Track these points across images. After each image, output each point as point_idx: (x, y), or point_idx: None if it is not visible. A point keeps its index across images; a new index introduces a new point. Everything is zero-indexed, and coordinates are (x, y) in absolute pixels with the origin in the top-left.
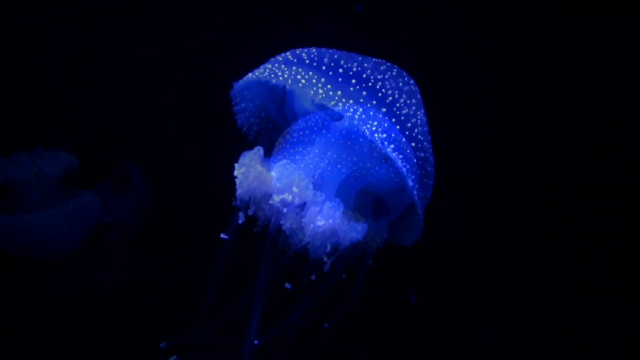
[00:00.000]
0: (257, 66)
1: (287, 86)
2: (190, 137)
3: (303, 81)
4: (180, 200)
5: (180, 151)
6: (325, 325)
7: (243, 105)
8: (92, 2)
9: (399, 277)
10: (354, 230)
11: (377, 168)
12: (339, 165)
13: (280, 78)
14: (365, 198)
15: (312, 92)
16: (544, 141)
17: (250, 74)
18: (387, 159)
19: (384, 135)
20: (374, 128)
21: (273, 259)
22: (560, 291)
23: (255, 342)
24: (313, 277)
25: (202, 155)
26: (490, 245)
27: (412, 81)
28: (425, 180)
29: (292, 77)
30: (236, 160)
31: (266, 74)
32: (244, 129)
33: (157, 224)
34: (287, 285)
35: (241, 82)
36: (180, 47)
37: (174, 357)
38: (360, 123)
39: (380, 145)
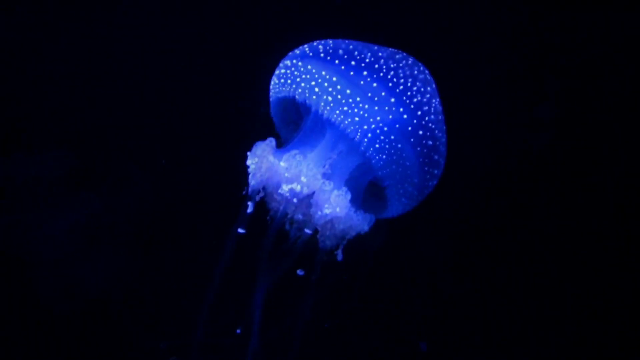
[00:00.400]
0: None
1: (307, 101)
2: (191, 136)
3: (317, 89)
4: (181, 199)
5: (181, 150)
6: (326, 325)
7: (274, 110)
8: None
9: (399, 275)
10: (360, 220)
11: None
12: (348, 157)
13: (299, 90)
14: (372, 192)
15: (323, 104)
16: (558, 140)
17: (274, 79)
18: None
19: (374, 134)
20: (373, 127)
21: (282, 251)
22: (563, 294)
23: (254, 342)
24: (314, 278)
25: (203, 153)
26: (495, 244)
27: (427, 71)
28: (427, 168)
29: (308, 85)
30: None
31: (289, 82)
32: (278, 132)
33: (157, 223)
34: (300, 272)
35: (271, 92)
36: (179, 45)
37: (174, 358)
38: (356, 127)
39: (363, 149)
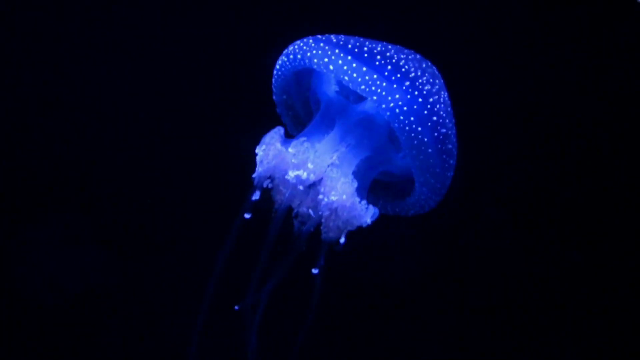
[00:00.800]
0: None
1: (315, 67)
2: (194, 136)
3: (333, 57)
4: (182, 197)
5: (184, 149)
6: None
7: (275, 98)
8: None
9: (397, 276)
10: (364, 212)
11: (393, 155)
12: (356, 150)
13: (309, 54)
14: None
15: (333, 70)
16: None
17: (282, 58)
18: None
19: (394, 113)
20: (392, 104)
21: (285, 245)
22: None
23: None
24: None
25: (206, 153)
26: (495, 247)
27: (434, 67)
28: (445, 156)
29: (318, 55)
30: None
31: (297, 50)
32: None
33: (158, 219)
34: (315, 270)
35: (277, 67)
36: (179, 45)
37: None
38: (380, 99)
39: (393, 121)
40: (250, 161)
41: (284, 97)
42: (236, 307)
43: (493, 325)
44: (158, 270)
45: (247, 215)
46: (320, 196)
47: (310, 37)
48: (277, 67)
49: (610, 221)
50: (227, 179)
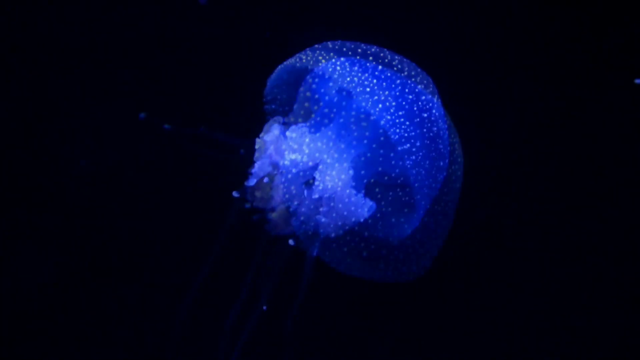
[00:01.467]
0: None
1: (309, 66)
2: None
3: (323, 61)
4: (180, 196)
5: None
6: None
7: (273, 106)
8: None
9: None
10: (361, 204)
11: (391, 155)
12: (353, 146)
13: (304, 60)
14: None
15: (330, 69)
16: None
17: (284, 63)
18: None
19: (388, 105)
20: (382, 97)
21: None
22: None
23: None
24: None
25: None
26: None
27: (429, 76)
28: (434, 154)
29: (314, 59)
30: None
31: (293, 60)
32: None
33: (155, 217)
34: (313, 253)
35: (273, 75)
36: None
37: None
38: (370, 95)
39: (382, 115)
40: (250, 162)
41: (274, 106)
42: (264, 308)
43: (492, 326)
44: (152, 271)
45: (235, 194)
46: (317, 182)
47: (307, 48)
48: (274, 78)
49: (611, 221)
50: (225, 179)
